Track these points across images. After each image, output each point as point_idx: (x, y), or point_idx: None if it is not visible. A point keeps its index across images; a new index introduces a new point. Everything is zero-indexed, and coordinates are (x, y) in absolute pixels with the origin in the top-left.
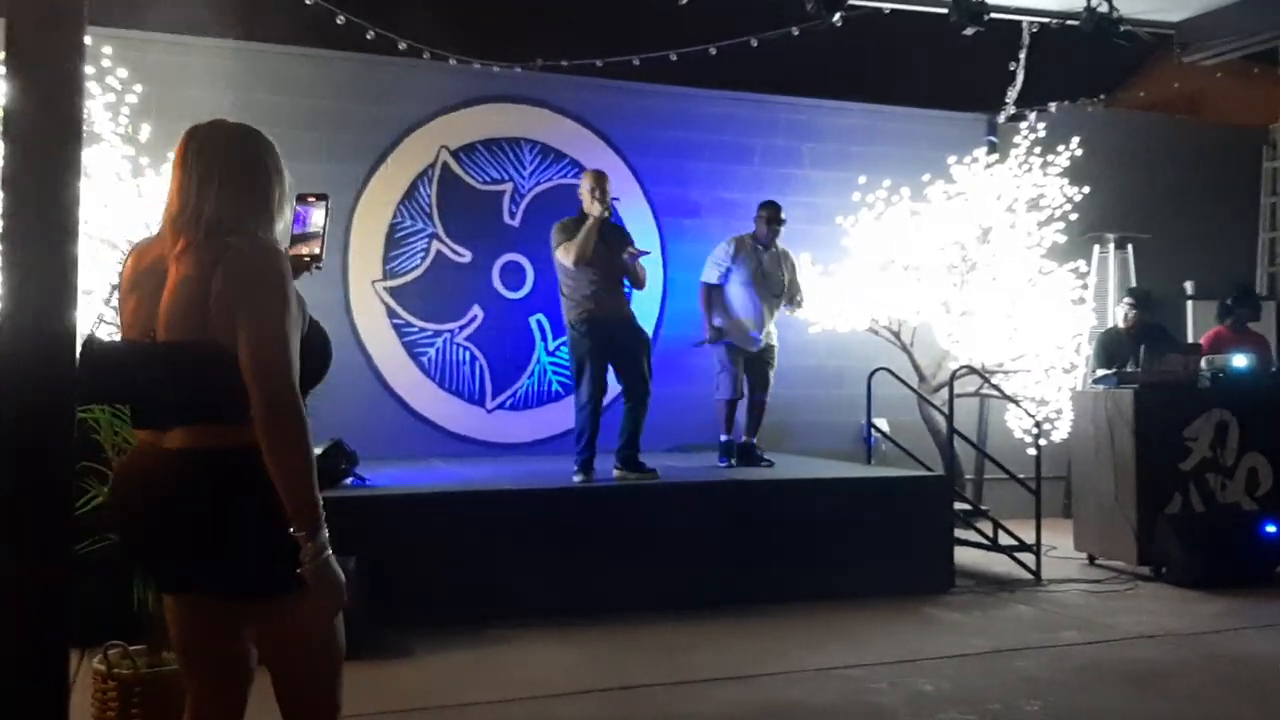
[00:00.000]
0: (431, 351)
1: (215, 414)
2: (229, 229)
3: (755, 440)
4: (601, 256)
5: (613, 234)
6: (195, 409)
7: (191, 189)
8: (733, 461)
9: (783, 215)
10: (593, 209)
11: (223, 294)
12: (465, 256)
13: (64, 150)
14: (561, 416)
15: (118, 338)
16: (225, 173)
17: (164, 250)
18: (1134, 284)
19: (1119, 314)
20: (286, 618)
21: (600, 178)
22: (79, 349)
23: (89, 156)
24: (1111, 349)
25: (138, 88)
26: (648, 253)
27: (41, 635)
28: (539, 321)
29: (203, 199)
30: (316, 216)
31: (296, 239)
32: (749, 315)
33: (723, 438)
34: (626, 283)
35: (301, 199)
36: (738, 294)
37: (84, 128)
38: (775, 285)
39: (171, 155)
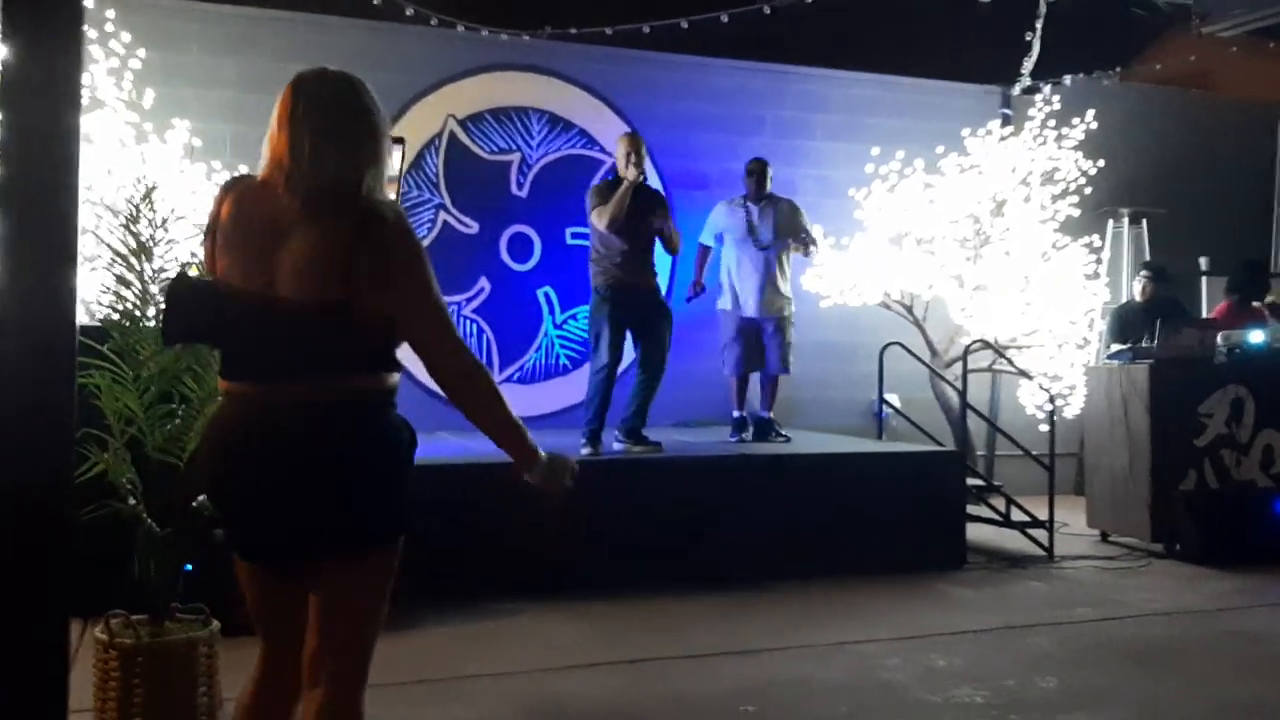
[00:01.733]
0: None
1: (339, 369)
2: (352, 188)
3: (772, 415)
4: (634, 223)
5: (647, 199)
6: (320, 366)
7: (304, 145)
8: (744, 437)
9: (758, 166)
10: (627, 173)
11: (378, 263)
12: (472, 228)
13: (64, 115)
14: (569, 391)
15: (213, 281)
16: (341, 129)
17: (274, 204)
18: (1148, 259)
19: (1136, 288)
20: (368, 577)
21: (635, 141)
22: (170, 287)
23: (92, 122)
24: (1126, 324)
25: (141, 53)
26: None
27: (42, 604)
28: (546, 294)
29: (319, 157)
30: (394, 159)
31: None
32: (747, 275)
33: (734, 414)
34: (657, 251)
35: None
36: (731, 255)
37: (87, 93)
38: (764, 237)
39: (177, 120)
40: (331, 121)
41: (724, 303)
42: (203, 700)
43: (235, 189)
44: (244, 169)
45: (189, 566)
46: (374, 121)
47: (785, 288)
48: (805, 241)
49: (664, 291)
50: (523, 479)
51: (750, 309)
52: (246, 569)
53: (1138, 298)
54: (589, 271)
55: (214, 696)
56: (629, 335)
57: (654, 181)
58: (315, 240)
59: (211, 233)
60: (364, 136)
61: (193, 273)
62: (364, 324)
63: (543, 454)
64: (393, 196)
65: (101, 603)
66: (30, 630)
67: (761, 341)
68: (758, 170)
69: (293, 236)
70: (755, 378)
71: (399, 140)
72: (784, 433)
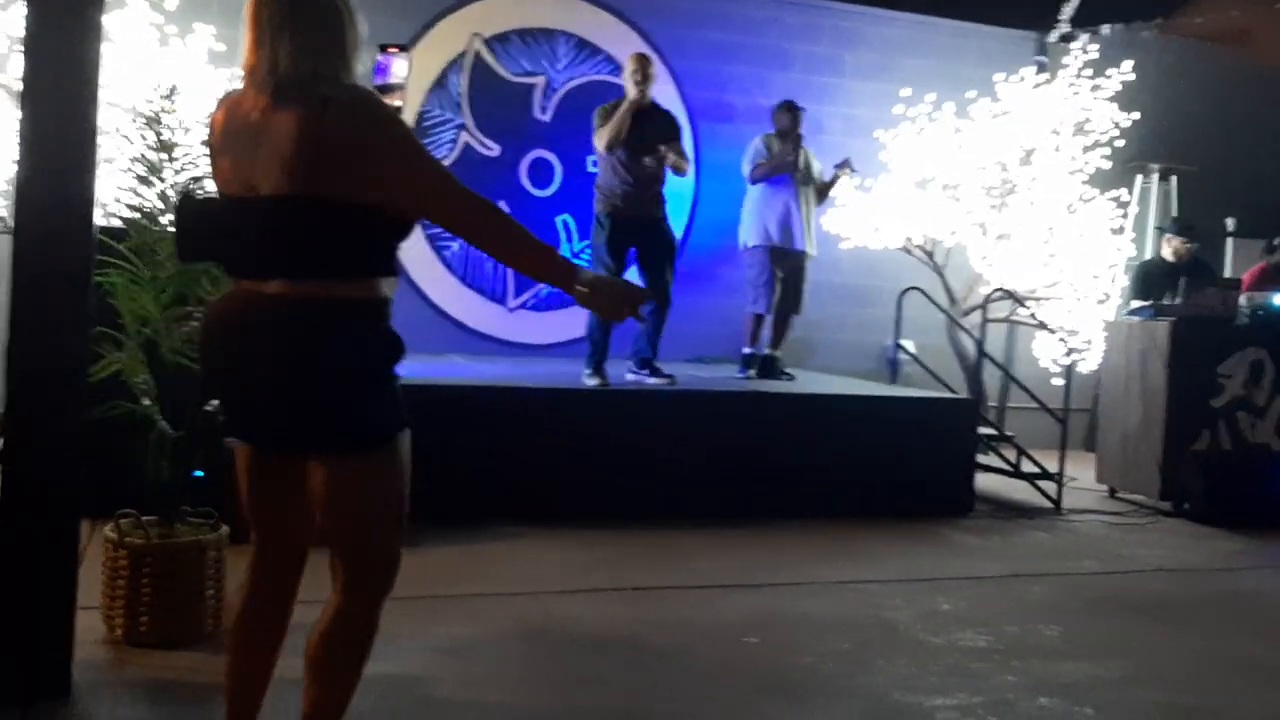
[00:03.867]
0: (455, 246)
1: (319, 268)
2: (311, 81)
3: (779, 354)
4: (636, 146)
5: (656, 121)
6: (300, 262)
7: (266, 44)
8: (752, 374)
9: (795, 107)
10: (631, 93)
11: (342, 147)
12: (494, 150)
13: (85, 12)
14: (583, 319)
15: (211, 196)
16: (299, 23)
17: (250, 107)
18: (1175, 215)
19: (1169, 245)
20: (357, 479)
21: (642, 61)
22: (177, 207)
23: (113, 22)
24: (1150, 280)
25: None
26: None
27: (52, 500)
28: (565, 222)
29: (278, 49)
30: (399, 68)
31: (380, 90)
32: (794, 209)
33: (746, 350)
34: (666, 179)
35: (383, 49)
36: (770, 189)
37: None
38: (800, 175)
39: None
40: (290, 18)
41: (755, 238)
42: (210, 603)
43: (226, 101)
44: None
45: (199, 473)
46: (335, 14)
47: (813, 227)
48: (847, 167)
49: (682, 225)
50: (575, 298)
51: (797, 242)
52: (242, 454)
53: (1168, 256)
54: (593, 199)
55: (220, 600)
56: (633, 260)
57: (676, 108)
58: (281, 134)
59: (211, 149)
60: (324, 30)
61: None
62: (342, 217)
63: (584, 272)
64: (398, 104)
65: (112, 503)
66: (40, 525)
67: (795, 280)
68: (796, 111)
69: (263, 133)
70: (769, 317)
71: (404, 48)
72: (789, 371)
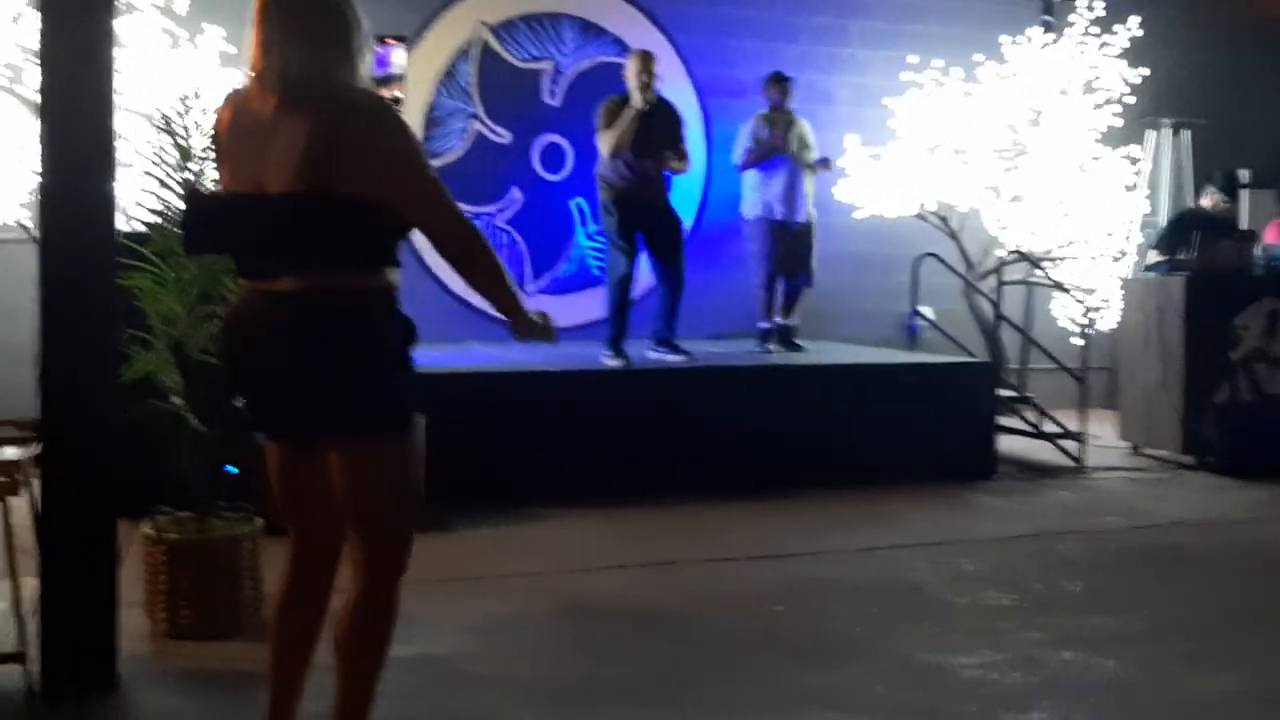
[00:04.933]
0: None
1: (329, 262)
2: (319, 82)
3: (792, 323)
4: (642, 146)
5: (661, 120)
6: (309, 258)
7: (275, 43)
8: (771, 349)
9: (785, 79)
10: (635, 98)
11: (353, 148)
12: (505, 137)
13: (97, 19)
14: (601, 301)
15: (219, 191)
16: (308, 27)
17: (258, 106)
18: (1190, 170)
19: (1209, 198)
20: (374, 462)
21: (646, 60)
22: (185, 201)
23: (124, 26)
24: (1184, 228)
25: None
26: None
27: (88, 501)
28: (579, 205)
29: (286, 54)
30: (398, 58)
31: (379, 82)
32: (779, 180)
33: (762, 325)
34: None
35: (380, 40)
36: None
37: None
38: (793, 146)
39: (209, 26)
40: (297, 18)
41: (754, 210)
42: (248, 594)
43: (232, 100)
44: None
45: (232, 469)
46: (342, 16)
47: (811, 197)
48: (825, 161)
49: (695, 202)
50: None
51: (799, 214)
52: (272, 453)
53: (1206, 206)
54: (596, 185)
55: (258, 591)
56: (642, 245)
57: (688, 97)
58: (292, 133)
59: (217, 144)
60: (332, 30)
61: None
62: (350, 214)
63: (528, 314)
64: (398, 95)
65: (149, 501)
66: (80, 525)
67: (795, 249)
68: (785, 83)
69: (274, 133)
70: (780, 288)
71: (401, 38)
72: (798, 342)
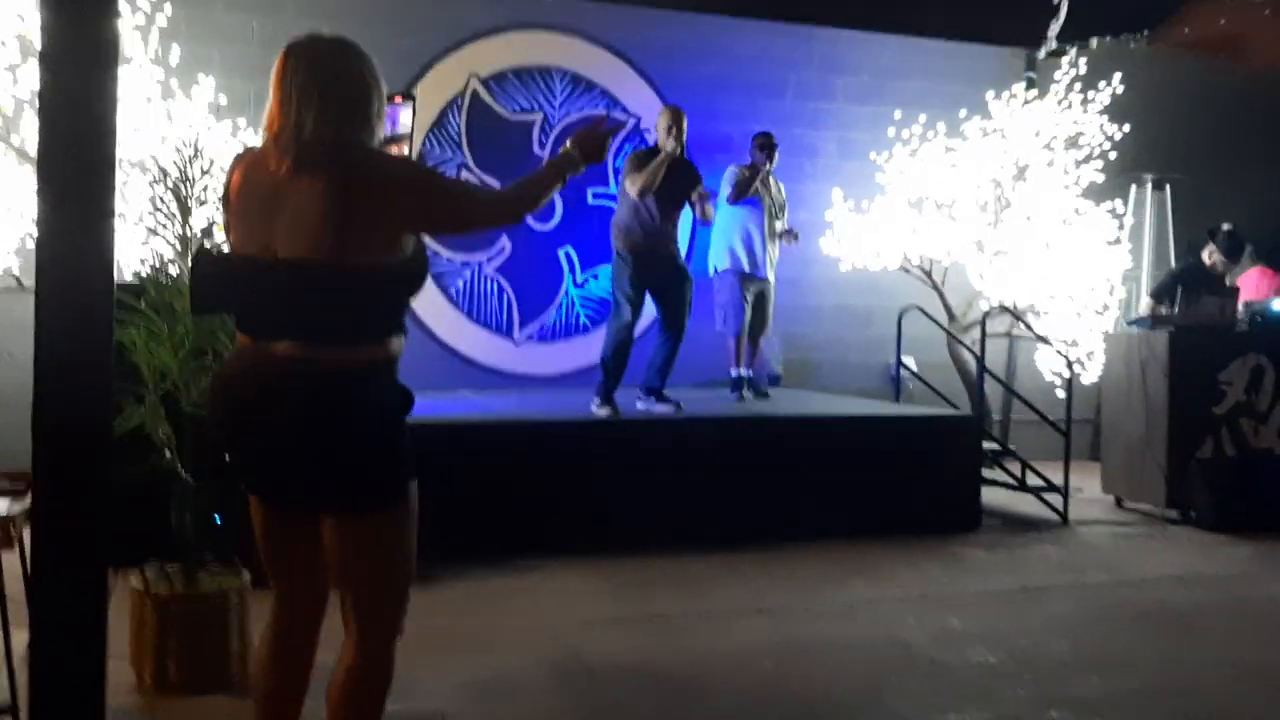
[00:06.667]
0: (460, 282)
1: (338, 334)
2: (338, 144)
3: (752, 373)
4: (666, 194)
5: (684, 173)
6: (317, 327)
7: (292, 108)
8: (743, 395)
9: (772, 140)
10: (666, 144)
11: (366, 212)
12: (494, 186)
13: (99, 75)
14: (588, 350)
15: (226, 250)
16: (325, 90)
17: (272, 169)
18: (1170, 226)
19: (1210, 256)
20: (375, 533)
21: (678, 115)
22: (191, 261)
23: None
24: (1180, 282)
25: (167, 9)
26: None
27: (82, 554)
28: (567, 254)
29: (303, 118)
30: (404, 117)
31: (387, 141)
32: (759, 237)
33: (734, 372)
34: (684, 221)
35: (390, 99)
36: (741, 215)
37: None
38: (772, 207)
39: (203, 77)
40: (318, 83)
41: (724, 262)
42: (235, 648)
43: (244, 160)
44: None
45: (218, 518)
46: (362, 82)
47: (775, 261)
48: (792, 233)
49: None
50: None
51: (761, 270)
52: (255, 505)
53: (1206, 261)
54: (609, 233)
55: (245, 644)
56: (649, 297)
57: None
58: (302, 196)
59: (226, 204)
60: (351, 98)
61: (216, 243)
62: (362, 284)
63: (569, 156)
64: (407, 153)
65: (137, 553)
66: (71, 578)
67: (762, 302)
68: (771, 144)
69: (286, 197)
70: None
71: (409, 97)
72: (766, 390)
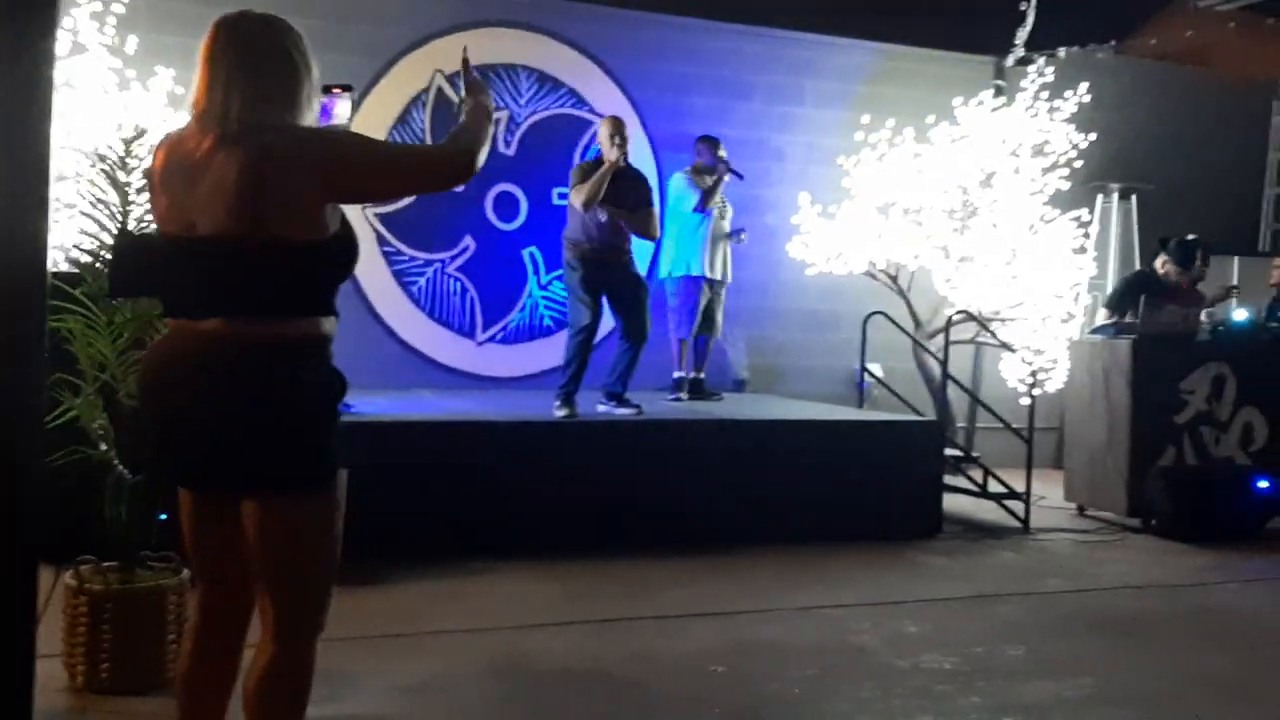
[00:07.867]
0: (421, 281)
1: (261, 307)
2: (260, 123)
3: (703, 375)
4: (610, 203)
5: (629, 183)
6: (240, 302)
7: (219, 83)
8: (683, 396)
9: (718, 144)
10: (609, 155)
11: (287, 184)
12: (458, 185)
13: (36, 48)
14: (552, 352)
15: (148, 233)
16: (252, 65)
17: (193, 146)
18: (1135, 235)
19: (1164, 266)
20: (297, 518)
21: (619, 124)
22: (112, 243)
23: (74, 67)
24: (1134, 292)
25: None
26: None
27: (11, 549)
28: (531, 254)
29: (230, 93)
30: (341, 108)
31: None
32: (711, 241)
33: (676, 374)
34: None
35: (326, 89)
36: (693, 220)
37: (69, 37)
38: (721, 209)
39: (161, 68)
40: (244, 60)
41: (677, 268)
42: (171, 648)
43: (168, 139)
44: None
45: (163, 516)
46: (290, 60)
47: (728, 260)
48: (738, 234)
49: (645, 267)
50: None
51: (716, 272)
52: (183, 497)
53: (1159, 270)
54: (561, 244)
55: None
56: (606, 302)
57: (643, 151)
58: (222, 171)
59: (150, 185)
60: (279, 76)
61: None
62: (284, 258)
63: (478, 99)
64: None
65: (72, 549)
66: (1, 573)
67: (714, 306)
68: (716, 146)
69: (205, 171)
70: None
71: (347, 88)
72: (715, 391)
